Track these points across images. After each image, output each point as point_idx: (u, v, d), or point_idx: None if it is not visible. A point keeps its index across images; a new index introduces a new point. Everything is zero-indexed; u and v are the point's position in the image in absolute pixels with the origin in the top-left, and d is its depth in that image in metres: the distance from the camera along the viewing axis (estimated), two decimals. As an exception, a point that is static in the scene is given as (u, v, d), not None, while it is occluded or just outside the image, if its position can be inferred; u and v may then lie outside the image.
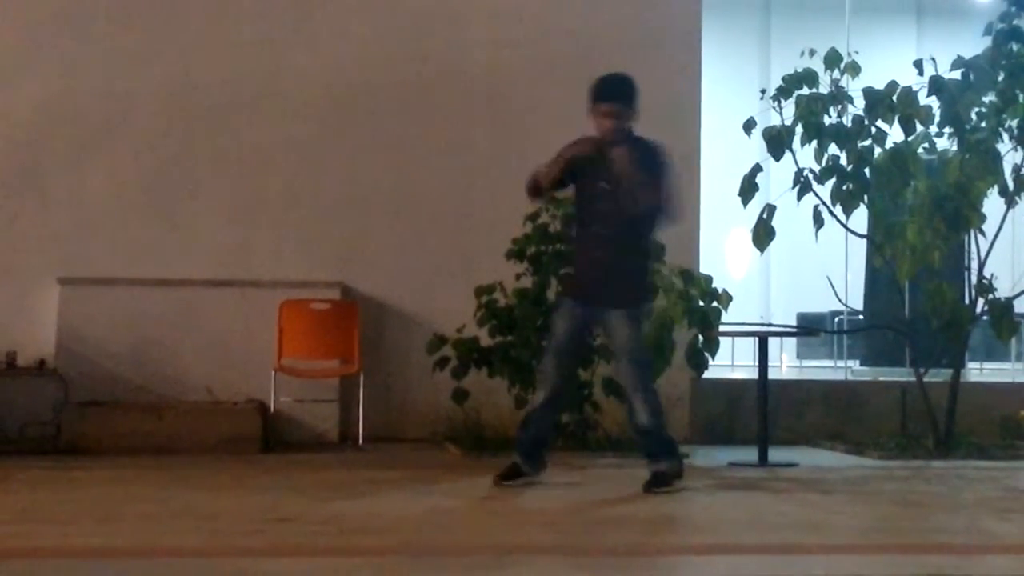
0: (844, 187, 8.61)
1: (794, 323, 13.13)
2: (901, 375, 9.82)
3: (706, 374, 8.54)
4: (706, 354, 8.37)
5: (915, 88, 8.53)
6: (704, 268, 9.14)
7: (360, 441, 8.73)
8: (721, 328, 8.40)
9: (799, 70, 8.65)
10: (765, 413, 8.06)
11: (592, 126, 6.67)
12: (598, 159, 6.54)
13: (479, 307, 8.52)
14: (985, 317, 8.65)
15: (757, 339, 8.30)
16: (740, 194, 8.54)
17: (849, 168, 8.61)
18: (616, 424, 8.40)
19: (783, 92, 8.66)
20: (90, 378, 8.85)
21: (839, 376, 11.14)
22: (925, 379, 8.72)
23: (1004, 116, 8.53)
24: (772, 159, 8.63)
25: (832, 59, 8.66)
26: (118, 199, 9.32)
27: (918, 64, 8.60)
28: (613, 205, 6.50)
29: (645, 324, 6.86)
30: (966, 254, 8.94)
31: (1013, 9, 8.69)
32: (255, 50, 9.47)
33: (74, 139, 9.32)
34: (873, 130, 8.61)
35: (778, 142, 8.56)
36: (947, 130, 8.63)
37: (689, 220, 9.49)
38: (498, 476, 6.66)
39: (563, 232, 8.15)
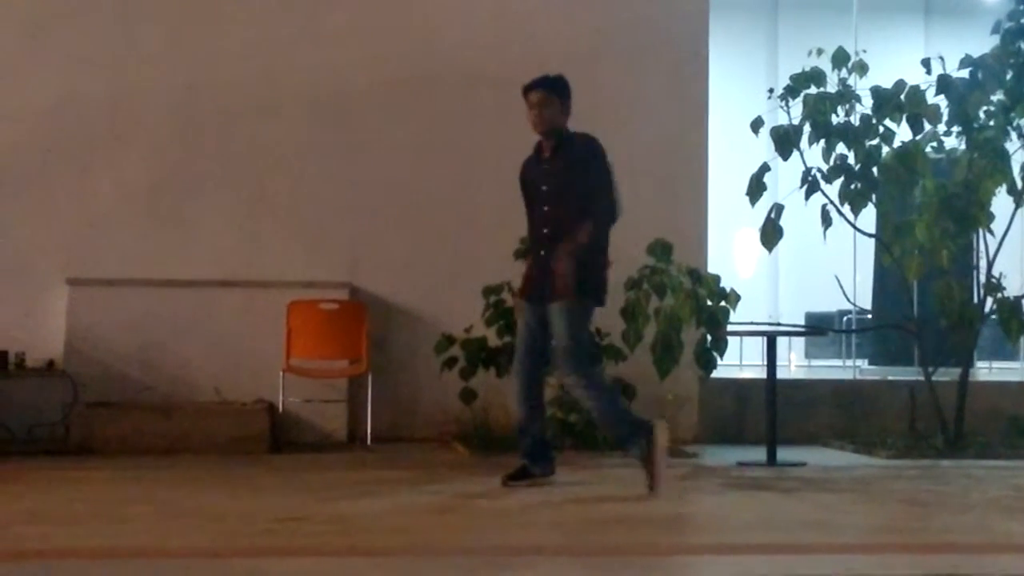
0: (852, 186, 8.60)
1: (802, 322, 13.13)
2: (910, 374, 9.81)
3: (714, 374, 8.54)
4: (714, 354, 8.38)
5: (923, 87, 8.52)
6: (712, 268, 9.14)
7: (368, 441, 8.74)
8: (729, 328, 8.41)
9: (807, 69, 8.64)
10: (774, 413, 8.05)
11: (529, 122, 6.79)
12: (534, 164, 6.80)
13: (487, 307, 8.53)
14: (994, 316, 8.64)
15: (765, 338, 8.29)
16: (748, 193, 8.53)
17: (857, 167, 8.60)
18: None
19: (791, 91, 8.66)
20: (99, 379, 8.86)
21: (847, 375, 11.13)
22: (934, 378, 8.71)
23: (1012, 115, 8.53)
24: (780, 158, 8.62)
25: (840, 58, 8.65)
26: (126, 200, 9.33)
27: (926, 63, 8.59)
28: (552, 206, 6.66)
29: (587, 319, 6.78)
30: (974, 253, 8.93)
31: (1021, 7, 8.67)
32: (262, 52, 9.48)
33: (82, 141, 9.33)
34: (881, 129, 8.60)
35: (786, 141, 8.56)
36: (955, 129, 8.63)
37: (697, 220, 9.55)
38: (506, 476, 6.66)
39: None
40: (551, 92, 6.75)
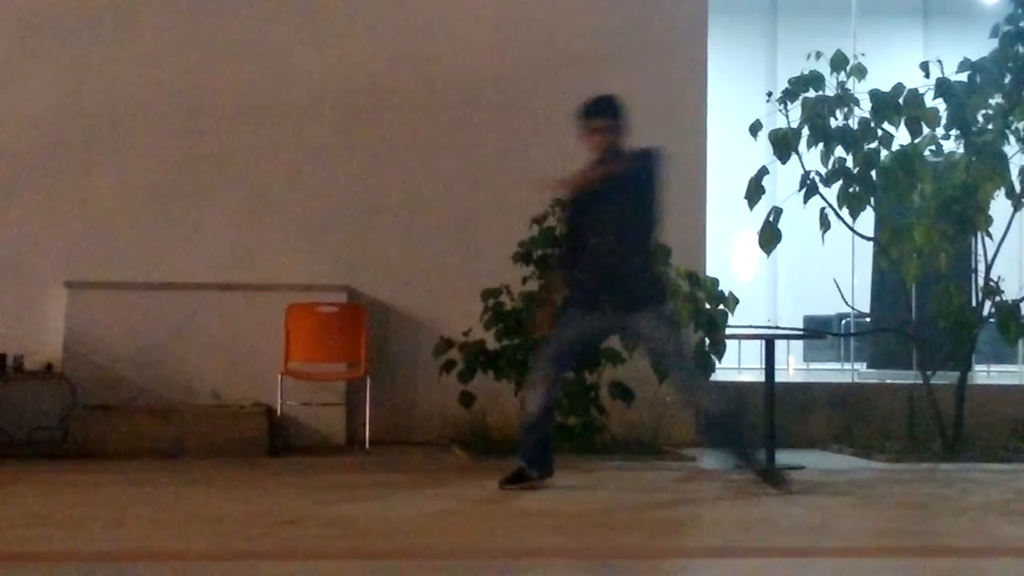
0: (850, 189, 8.60)
1: (801, 326, 13.11)
2: (908, 378, 9.80)
3: (713, 377, 8.54)
4: (713, 357, 8.37)
5: (921, 90, 8.52)
6: (711, 271, 9.14)
7: (367, 444, 8.73)
8: (728, 331, 8.40)
9: (805, 72, 8.64)
10: (772, 416, 8.04)
11: (586, 145, 6.77)
12: (586, 186, 6.74)
13: (485, 310, 8.52)
14: (992, 319, 8.65)
15: (764, 342, 8.28)
16: (746, 197, 8.53)
17: (855, 170, 8.60)
18: (622, 426, 8.40)
19: (789, 94, 8.65)
20: (97, 382, 8.86)
21: (846, 379, 11.13)
22: (932, 382, 8.71)
23: (1011, 118, 8.53)
24: (778, 161, 8.62)
25: (838, 61, 8.65)
26: (125, 203, 9.33)
27: (924, 66, 8.60)
28: (617, 219, 6.66)
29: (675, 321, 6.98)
30: (973, 256, 8.92)
31: (1020, 11, 8.67)
32: (262, 54, 9.48)
33: (82, 143, 9.34)
34: (879, 132, 8.60)
35: (784, 144, 8.55)
36: (954, 132, 8.62)
37: (696, 223, 9.55)
38: (503, 480, 6.66)
39: (552, 254, 8.15)
40: (615, 117, 6.77)
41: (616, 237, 6.67)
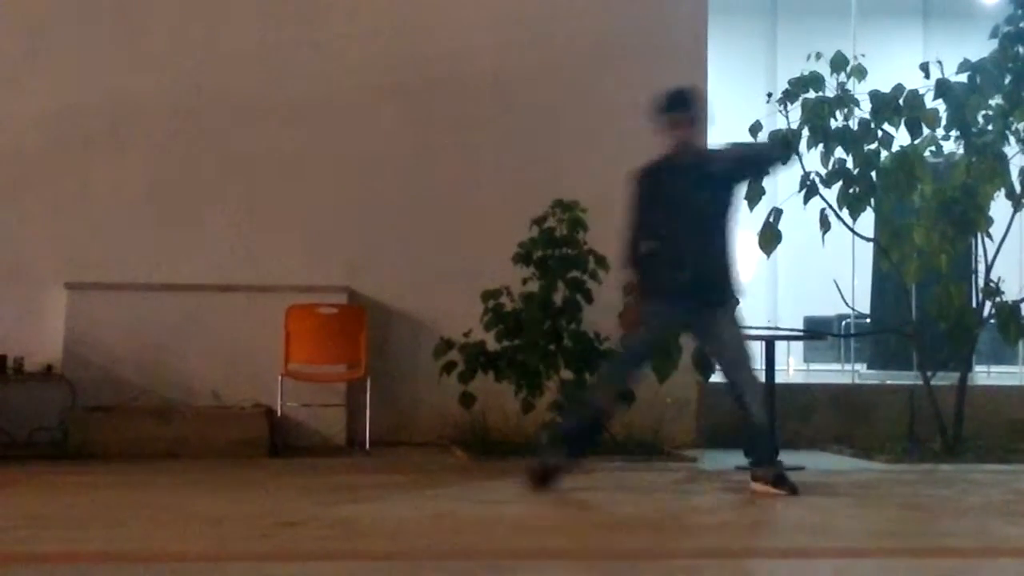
0: (851, 190, 8.61)
1: (801, 326, 13.11)
2: (908, 378, 9.80)
3: (713, 378, 8.53)
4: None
5: (921, 91, 8.53)
6: (711, 272, 9.11)
7: (367, 445, 8.73)
8: (728, 332, 8.38)
9: (805, 73, 8.65)
10: (772, 417, 8.03)
11: (669, 138, 6.80)
12: (670, 173, 6.74)
13: (486, 311, 8.52)
14: (992, 320, 8.65)
15: (764, 343, 8.28)
16: (746, 198, 8.52)
17: (855, 171, 8.61)
18: (623, 428, 8.40)
19: (789, 95, 8.66)
20: (97, 383, 8.86)
21: (846, 379, 11.13)
22: (932, 382, 8.71)
23: (1011, 119, 8.54)
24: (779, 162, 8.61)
25: (838, 62, 8.66)
26: (125, 204, 9.33)
27: (924, 67, 8.60)
28: (703, 214, 6.72)
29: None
30: (973, 257, 8.93)
31: (1020, 12, 8.67)
32: (262, 56, 9.48)
33: (81, 144, 9.34)
34: (879, 133, 8.61)
35: (784, 145, 8.55)
36: (953, 133, 8.63)
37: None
38: (536, 481, 6.64)
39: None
40: (697, 109, 6.81)
41: (705, 233, 6.72)
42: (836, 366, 12.94)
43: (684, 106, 6.75)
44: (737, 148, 7.03)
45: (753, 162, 7.15)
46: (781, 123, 8.68)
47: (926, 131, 8.61)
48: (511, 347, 8.45)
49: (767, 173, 7.53)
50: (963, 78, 8.57)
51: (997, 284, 8.62)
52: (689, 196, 6.69)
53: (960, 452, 8.45)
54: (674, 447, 8.73)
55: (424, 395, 9.14)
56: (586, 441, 6.87)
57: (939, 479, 7.59)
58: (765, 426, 6.77)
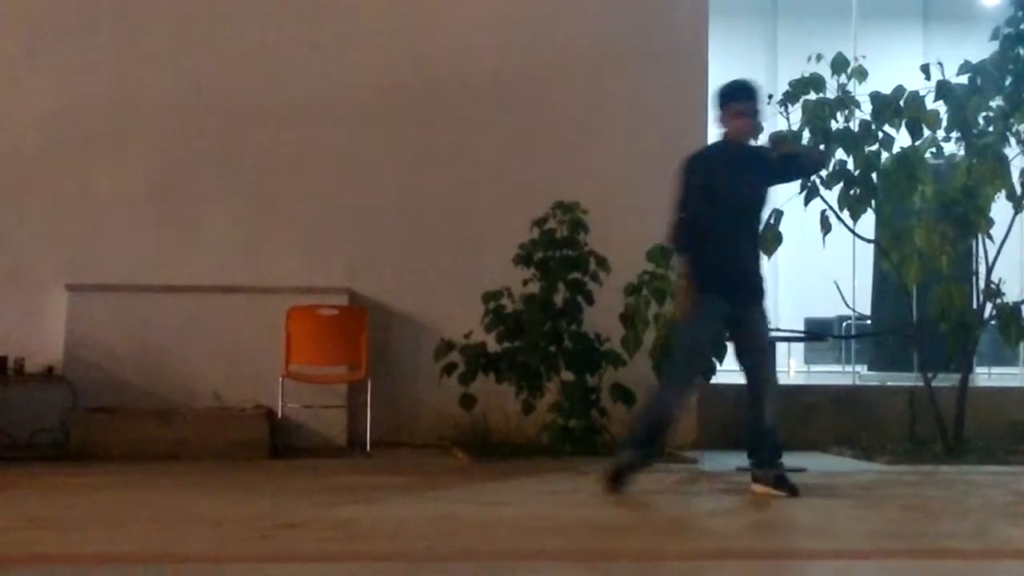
0: (851, 192, 8.61)
1: (802, 328, 13.11)
2: (909, 380, 9.79)
3: (714, 379, 8.53)
4: (713, 359, 8.36)
5: (922, 93, 8.53)
6: (711, 273, 9.11)
7: (368, 446, 8.73)
8: (729, 333, 8.39)
9: (806, 75, 8.65)
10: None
11: (729, 128, 6.86)
12: (729, 164, 6.75)
13: (486, 312, 8.53)
14: (993, 321, 8.65)
15: (764, 344, 8.27)
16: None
17: (856, 173, 8.61)
18: (623, 428, 8.39)
19: (790, 97, 8.66)
20: (98, 384, 8.86)
21: (847, 381, 11.12)
22: (933, 384, 8.71)
23: (1011, 120, 8.54)
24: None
25: (839, 64, 8.66)
26: (126, 205, 9.34)
27: (925, 69, 8.60)
28: (755, 206, 6.81)
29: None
30: (974, 258, 8.93)
31: (1020, 13, 8.67)
32: (263, 58, 9.49)
33: (82, 145, 9.34)
34: (880, 135, 8.61)
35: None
36: (954, 135, 8.63)
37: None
38: (611, 479, 6.63)
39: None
40: (759, 100, 6.93)
41: (752, 225, 6.81)
42: (837, 367, 12.93)
43: (748, 97, 6.82)
44: (793, 147, 7.12)
45: (803, 165, 7.20)
46: (782, 124, 8.67)
47: (927, 133, 8.61)
48: (512, 348, 8.45)
49: (809, 176, 7.57)
50: (964, 80, 8.57)
51: (998, 285, 8.62)
52: (743, 188, 6.75)
53: (961, 453, 8.45)
54: (674, 448, 8.72)
55: (425, 396, 9.14)
56: (658, 442, 6.89)
57: (940, 480, 7.59)
58: (773, 427, 6.76)
